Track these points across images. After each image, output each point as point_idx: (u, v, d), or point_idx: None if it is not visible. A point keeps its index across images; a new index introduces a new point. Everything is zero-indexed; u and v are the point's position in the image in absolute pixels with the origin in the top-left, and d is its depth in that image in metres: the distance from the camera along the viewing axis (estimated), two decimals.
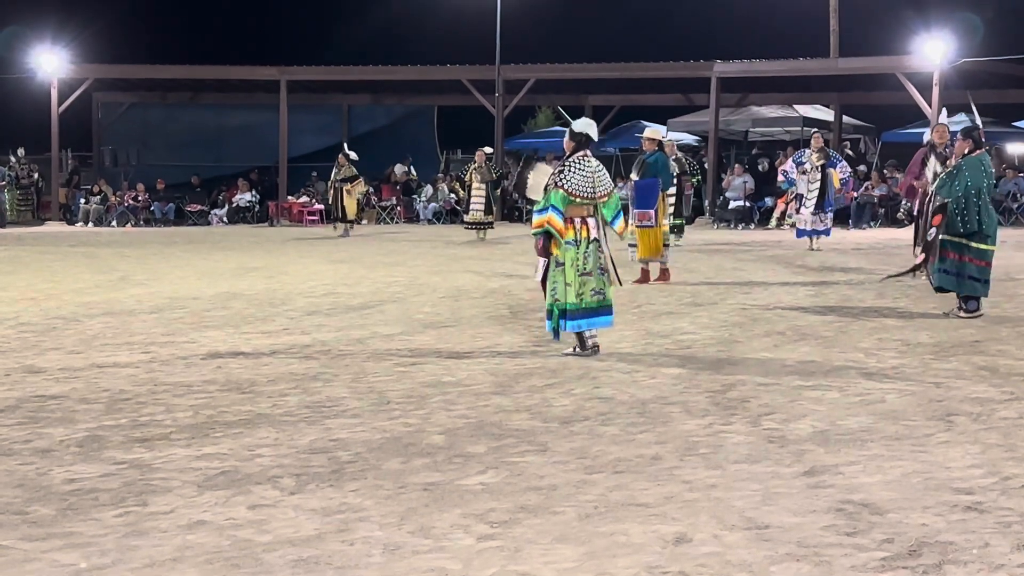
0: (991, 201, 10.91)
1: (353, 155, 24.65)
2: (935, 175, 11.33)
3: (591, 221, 8.74)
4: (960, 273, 10.58)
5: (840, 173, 18.69)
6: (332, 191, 24.56)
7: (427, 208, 30.66)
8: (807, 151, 18.92)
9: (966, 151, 10.74)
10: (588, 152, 8.89)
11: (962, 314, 10.57)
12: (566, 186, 8.62)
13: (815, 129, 20.72)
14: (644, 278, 13.62)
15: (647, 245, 13.47)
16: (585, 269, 8.66)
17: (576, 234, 8.66)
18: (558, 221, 8.59)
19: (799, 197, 18.70)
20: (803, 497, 5.06)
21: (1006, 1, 40.49)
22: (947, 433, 6.20)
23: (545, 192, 8.69)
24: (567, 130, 9.16)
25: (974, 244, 10.58)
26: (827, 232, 18.71)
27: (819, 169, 18.35)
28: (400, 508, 4.96)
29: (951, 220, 10.53)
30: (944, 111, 14.89)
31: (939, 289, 10.76)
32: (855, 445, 5.94)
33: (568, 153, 8.89)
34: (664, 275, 13.76)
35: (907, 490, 5.14)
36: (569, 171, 8.68)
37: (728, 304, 11.91)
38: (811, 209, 18.38)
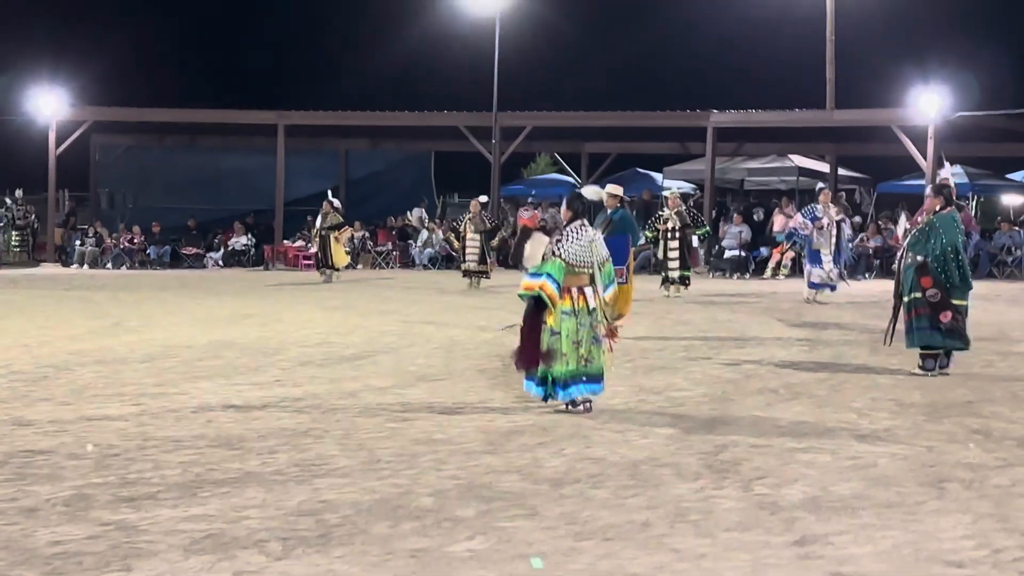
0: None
1: (337, 202, 24.68)
2: (905, 231, 11.35)
3: (588, 291, 8.73)
4: (937, 327, 10.58)
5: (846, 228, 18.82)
6: (318, 239, 24.48)
7: (423, 253, 30.68)
8: (818, 206, 18.66)
9: (937, 208, 10.80)
10: (585, 221, 8.90)
11: (918, 371, 10.61)
12: (564, 255, 8.62)
13: (821, 184, 20.69)
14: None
15: (618, 302, 13.38)
16: (579, 339, 8.63)
17: (574, 304, 8.65)
18: (551, 288, 8.56)
19: (815, 253, 18.45)
20: (793, 568, 5.03)
21: (999, 56, 40.82)
22: (939, 501, 6.17)
23: (543, 262, 8.67)
24: (564, 199, 9.17)
25: (954, 300, 10.61)
26: (834, 287, 18.56)
27: (836, 224, 18.36)
28: None
29: (934, 279, 10.56)
30: (949, 164, 14.88)
31: (925, 347, 10.73)
32: (846, 513, 5.91)
33: (566, 222, 8.90)
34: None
35: (898, 562, 5.11)
36: (567, 240, 8.70)
37: (722, 359, 11.89)
38: (830, 264, 18.29)
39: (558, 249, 8.66)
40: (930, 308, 10.62)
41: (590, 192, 9.15)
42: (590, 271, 8.74)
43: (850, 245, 19.50)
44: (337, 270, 24.36)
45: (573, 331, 8.60)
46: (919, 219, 11.10)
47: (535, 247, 8.80)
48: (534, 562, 5.07)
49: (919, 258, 10.68)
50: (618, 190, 14.35)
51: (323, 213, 24.36)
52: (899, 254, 11.19)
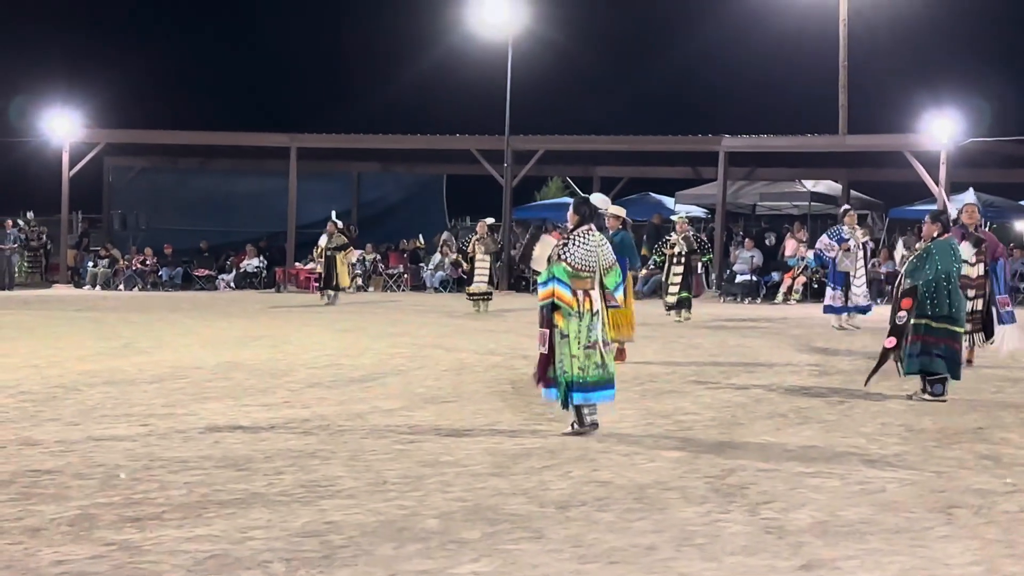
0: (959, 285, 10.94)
1: (341, 223, 24.76)
2: (903, 258, 11.34)
3: (593, 293, 8.76)
4: (928, 352, 10.55)
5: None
6: (323, 259, 24.39)
7: (434, 276, 30.70)
8: (843, 228, 18.42)
9: (935, 234, 10.79)
10: (592, 226, 8.92)
11: (927, 397, 10.57)
12: (569, 259, 8.66)
13: (847, 205, 20.53)
14: (620, 356, 13.51)
15: (616, 325, 13.35)
16: (588, 342, 8.65)
17: (579, 306, 8.67)
18: (564, 293, 8.62)
19: (839, 275, 18.28)
20: None
21: (1011, 82, 40.78)
22: (947, 527, 6.13)
23: (548, 264, 8.72)
24: (571, 203, 9.20)
25: (944, 326, 10.58)
26: (865, 309, 18.39)
27: (862, 246, 18.27)
28: None
29: (921, 303, 10.54)
30: (971, 190, 14.90)
31: (923, 372, 10.69)
32: (854, 538, 5.87)
33: (572, 227, 8.93)
34: (621, 355, 13.62)
35: None
36: (572, 244, 8.73)
37: (732, 383, 11.86)
38: (863, 287, 18.20)
39: (563, 253, 8.70)
40: (890, 328, 10.59)
41: (598, 199, 9.17)
42: (595, 275, 8.76)
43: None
44: (342, 291, 24.34)
45: (581, 334, 8.60)
46: (919, 246, 11.09)
47: (542, 249, 8.84)
48: None
49: (907, 282, 10.66)
50: (621, 212, 14.31)
51: (328, 234, 24.35)
52: (897, 281, 11.16)
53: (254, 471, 7.37)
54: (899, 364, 10.75)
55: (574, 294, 8.68)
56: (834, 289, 18.32)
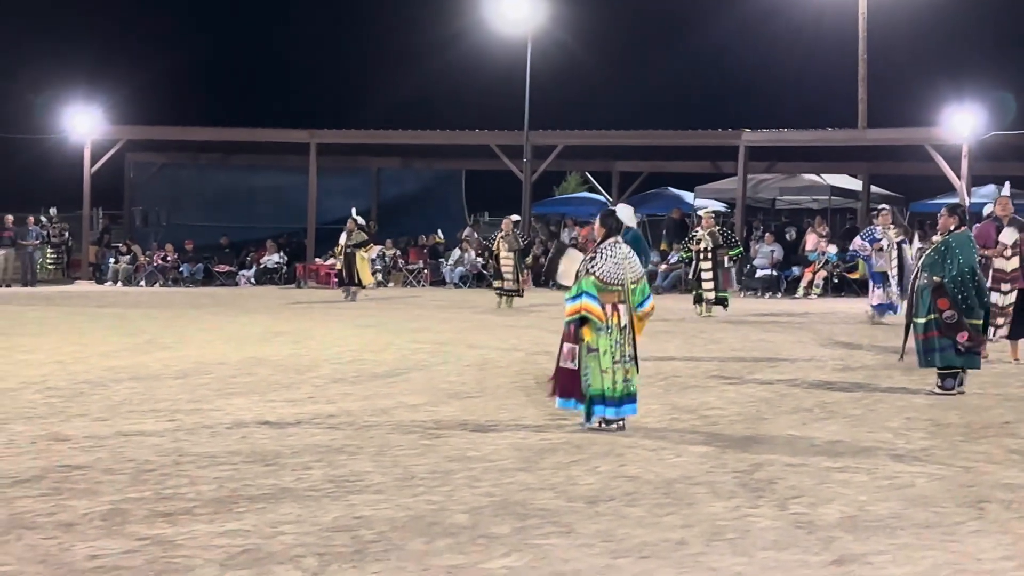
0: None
1: (361, 220, 24.65)
2: (918, 251, 11.31)
3: (621, 307, 8.73)
4: (952, 348, 10.54)
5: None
6: (343, 256, 24.21)
7: (454, 272, 30.73)
8: (877, 227, 18.32)
9: (952, 227, 10.75)
10: (619, 239, 8.90)
11: (937, 391, 10.59)
12: (597, 273, 8.64)
13: (883, 205, 20.33)
14: None
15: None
16: (616, 357, 8.63)
17: (608, 320, 8.65)
18: (595, 307, 8.58)
19: (878, 275, 18.19)
20: None
21: None
22: (978, 521, 6.12)
23: (576, 278, 8.70)
24: (598, 216, 9.18)
25: (969, 320, 10.57)
26: (896, 309, 18.30)
27: (896, 246, 18.16)
28: None
29: (952, 300, 10.52)
30: (1008, 184, 14.83)
31: (946, 367, 10.66)
32: (884, 533, 5.87)
33: (599, 240, 8.91)
34: None
35: None
36: (601, 258, 8.71)
37: (755, 378, 11.84)
38: (894, 287, 18.10)
39: (592, 267, 8.68)
40: (948, 329, 10.56)
41: (624, 213, 9.14)
42: (623, 288, 8.74)
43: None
44: (364, 287, 24.33)
45: (610, 347, 8.60)
46: (936, 239, 11.04)
47: (569, 264, 8.83)
48: None
49: (935, 279, 10.62)
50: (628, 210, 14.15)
51: (348, 231, 24.20)
52: (913, 274, 11.12)
53: (282, 466, 7.40)
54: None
55: (603, 308, 8.65)
56: (876, 287, 18.30)
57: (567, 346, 8.69)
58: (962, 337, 10.54)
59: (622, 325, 8.70)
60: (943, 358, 10.61)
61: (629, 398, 8.72)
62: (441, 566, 5.29)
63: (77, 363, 12.69)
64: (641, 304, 8.84)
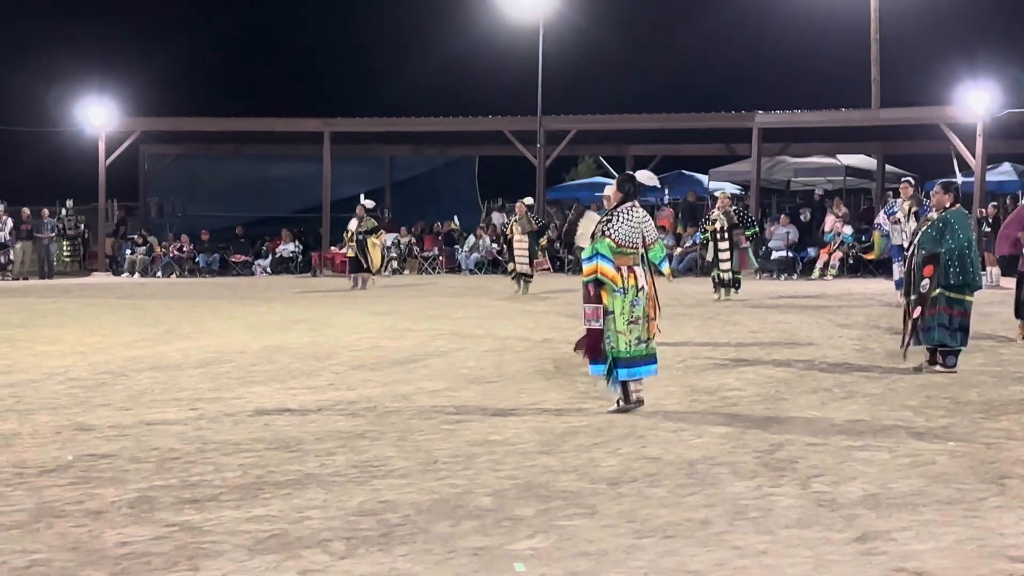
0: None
1: (370, 203, 24.43)
2: (914, 229, 11.31)
3: (637, 269, 8.79)
4: (947, 325, 10.55)
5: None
6: (355, 243, 23.92)
7: (469, 258, 30.77)
8: (898, 200, 18.12)
9: (947, 204, 10.75)
10: (636, 203, 8.95)
11: (939, 369, 10.58)
12: (613, 235, 8.69)
13: (906, 176, 20.06)
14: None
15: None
16: (632, 317, 8.68)
17: (624, 282, 8.69)
18: (608, 268, 8.64)
19: (897, 248, 17.88)
20: (856, 565, 5.02)
21: None
22: (1000, 497, 6.13)
23: (592, 240, 8.75)
24: (613, 180, 9.23)
25: (960, 296, 10.62)
26: None
27: (912, 216, 17.94)
28: (450, 574, 4.97)
29: (944, 272, 10.50)
30: None
31: (940, 345, 10.66)
32: (907, 510, 5.89)
33: (616, 203, 8.95)
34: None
35: (962, 558, 5.09)
36: (617, 221, 8.76)
37: (774, 358, 11.86)
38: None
39: (607, 229, 8.72)
40: (917, 298, 10.55)
41: (643, 176, 9.21)
42: (639, 251, 8.80)
43: None
44: (374, 274, 24.19)
45: (626, 310, 8.64)
46: (932, 215, 11.01)
47: (586, 225, 8.89)
48: (519, 567, 5.06)
49: (923, 252, 10.62)
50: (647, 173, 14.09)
51: (358, 217, 23.95)
52: (910, 253, 11.07)
53: (306, 452, 7.45)
54: (914, 336, 10.67)
55: (618, 270, 8.70)
56: (896, 262, 18.16)
57: (588, 307, 8.74)
58: (916, 311, 10.55)
59: (639, 287, 8.75)
60: (938, 336, 10.60)
61: (645, 359, 8.75)
62: (467, 548, 5.33)
63: (98, 354, 12.77)
64: (660, 264, 8.98)
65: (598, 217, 8.99)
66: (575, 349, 9.08)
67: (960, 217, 10.76)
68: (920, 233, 10.90)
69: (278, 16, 55.56)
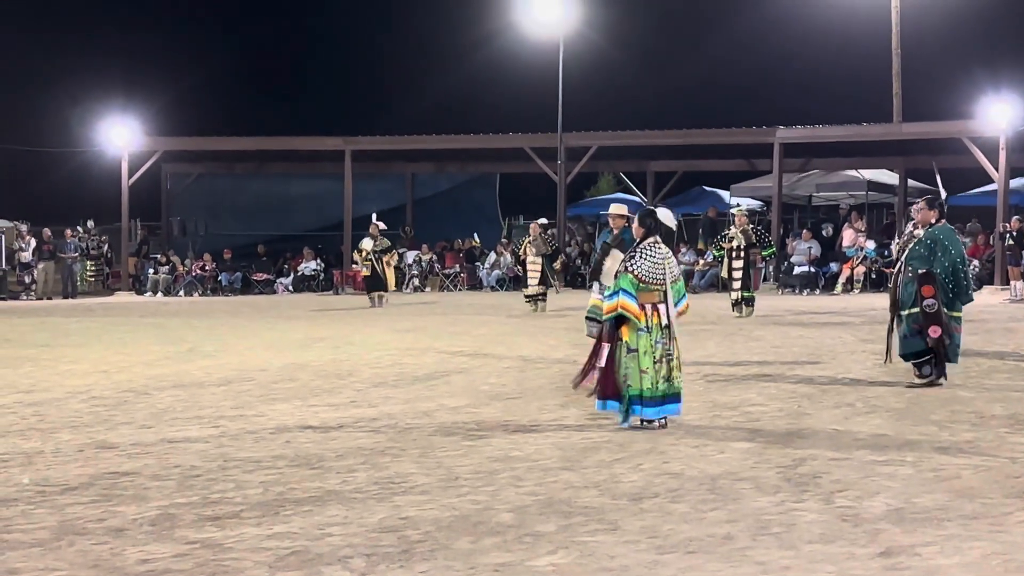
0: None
1: (382, 225, 24.43)
2: (899, 245, 11.28)
3: (662, 307, 8.71)
4: (914, 335, 10.55)
5: None
6: (371, 262, 23.84)
7: (490, 275, 30.78)
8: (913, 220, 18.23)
9: (932, 220, 10.71)
10: (658, 238, 8.90)
11: (917, 381, 10.55)
12: (636, 271, 8.64)
13: (923, 198, 20.03)
14: None
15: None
16: (657, 356, 8.62)
17: (647, 320, 8.64)
18: (632, 305, 8.58)
19: None
20: None
21: None
22: None
23: (616, 277, 8.72)
24: (636, 216, 9.18)
25: (956, 314, 10.63)
26: None
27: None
28: None
29: (943, 293, 10.47)
30: None
31: (913, 355, 10.65)
32: (931, 524, 5.84)
33: (638, 240, 8.91)
34: None
35: (987, 573, 5.05)
36: (640, 257, 8.71)
37: (796, 374, 11.81)
38: None
39: (631, 265, 8.68)
40: (926, 319, 10.48)
41: (664, 216, 9.12)
42: (662, 288, 8.73)
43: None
44: (387, 293, 24.14)
45: (649, 348, 8.59)
46: (916, 232, 10.94)
47: (613, 263, 8.86)
48: None
49: (921, 271, 10.54)
50: (622, 209, 13.78)
51: (371, 236, 23.95)
52: (896, 269, 11.02)
53: (327, 469, 7.45)
54: (942, 359, 10.64)
55: (642, 308, 8.64)
56: None
57: (605, 346, 8.69)
58: (934, 332, 10.48)
59: (663, 325, 8.69)
60: (908, 345, 10.58)
61: (672, 398, 8.71)
62: (488, 564, 5.31)
63: (121, 372, 12.81)
64: (677, 303, 8.86)
65: (622, 256, 8.95)
66: (575, 387, 9.05)
67: (948, 233, 10.76)
68: (907, 250, 10.83)
69: (299, 36, 55.84)
